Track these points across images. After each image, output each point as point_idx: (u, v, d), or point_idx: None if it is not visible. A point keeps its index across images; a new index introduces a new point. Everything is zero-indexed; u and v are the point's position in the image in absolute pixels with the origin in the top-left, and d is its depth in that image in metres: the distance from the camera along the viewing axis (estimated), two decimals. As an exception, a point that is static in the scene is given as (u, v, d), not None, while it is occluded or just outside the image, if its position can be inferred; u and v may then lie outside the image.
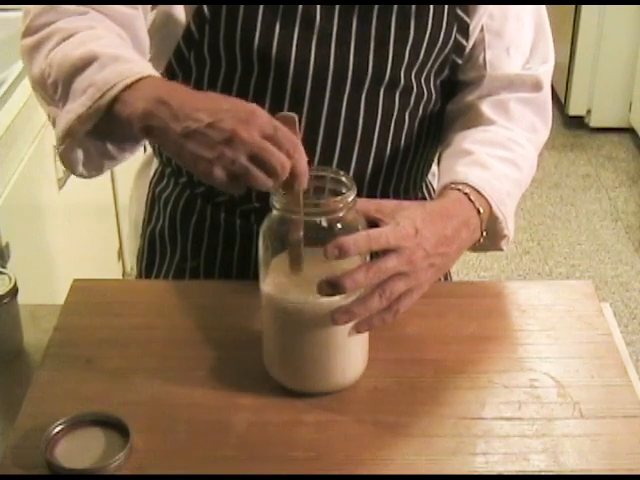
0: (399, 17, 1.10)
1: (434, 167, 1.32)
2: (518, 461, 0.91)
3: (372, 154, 1.16)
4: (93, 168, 1.03)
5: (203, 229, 1.22)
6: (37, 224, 1.95)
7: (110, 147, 1.01)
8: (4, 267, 1.54)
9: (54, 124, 1.00)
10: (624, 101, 3.84)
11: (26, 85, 1.78)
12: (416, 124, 1.18)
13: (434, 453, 0.92)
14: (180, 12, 1.10)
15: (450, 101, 1.22)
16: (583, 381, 1.02)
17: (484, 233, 1.07)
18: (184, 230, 1.24)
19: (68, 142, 0.98)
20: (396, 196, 1.21)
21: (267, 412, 0.97)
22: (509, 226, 1.11)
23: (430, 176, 1.32)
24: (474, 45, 1.18)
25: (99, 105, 0.93)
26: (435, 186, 1.33)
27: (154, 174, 1.29)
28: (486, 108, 1.18)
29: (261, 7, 1.07)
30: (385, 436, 0.94)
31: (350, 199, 0.93)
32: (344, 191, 0.94)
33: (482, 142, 1.14)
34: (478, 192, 1.06)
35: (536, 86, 1.20)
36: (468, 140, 1.15)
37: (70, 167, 1.02)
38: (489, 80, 1.19)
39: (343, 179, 0.95)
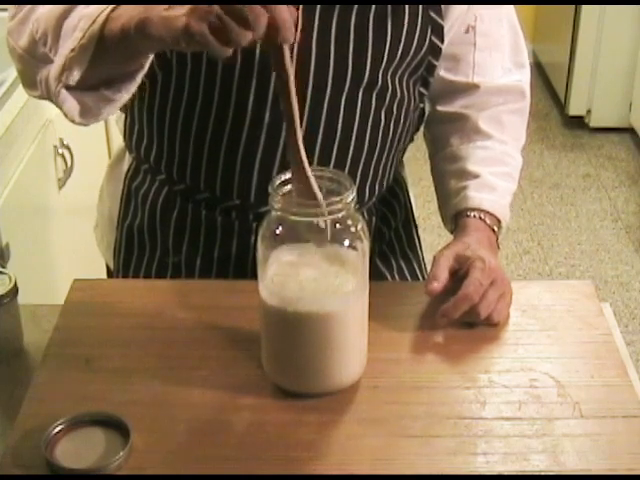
0: (376, 18, 1.12)
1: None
2: (518, 461, 0.91)
3: (350, 152, 1.18)
4: (91, 116, 1.01)
5: (184, 225, 1.23)
6: (37, 224, 1.95)
7: (105, 92, 0.99)
8: (4, 267, 1.54)
9: (47, 80, 0.98)
10: (624, 101, 3.84)
11: (26, 85, 1.78)
12: (392, 122, 1.21)
13: (434, 453, 0.92)
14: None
15: (441, 103, 1.28)
16: (583, 381, 1.02)
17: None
18: (164, 226, 1.24)
19: (62, 85, 0.96)
20: (371, 191, 1.25)
21: (267, 412, 0.97)
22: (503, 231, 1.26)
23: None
24: (462, 44, 1.23)
25: (92, 32, 0.92)
26: (403, 175, 1.38)
27: (128, 169, 1.28)
28: (482, 124, 1.27)
29: None
30: (385, 436, 0.94)
31: (349, 200, 0.93)
32: (343, 192, 0.94)
33: (484, 162, 1.26)
34: (491, 214, 1.21)
35: (522, 94, 1.30)
36: (472, 161, 1.26)
37: (68, 116, 1.01)
38: (481, 93, 1.26)
39: (342, 180, 0.95)
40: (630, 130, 3.86)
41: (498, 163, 1.27)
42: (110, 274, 1.38)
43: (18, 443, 0.92)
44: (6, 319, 1.07)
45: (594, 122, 3.93)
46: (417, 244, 1.40)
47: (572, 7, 3.84)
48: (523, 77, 1.30)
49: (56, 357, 1.05)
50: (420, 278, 1.36)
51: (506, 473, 0.90)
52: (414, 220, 1.40)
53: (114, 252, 1.32)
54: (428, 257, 1.36)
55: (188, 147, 1.17)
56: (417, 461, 0.91)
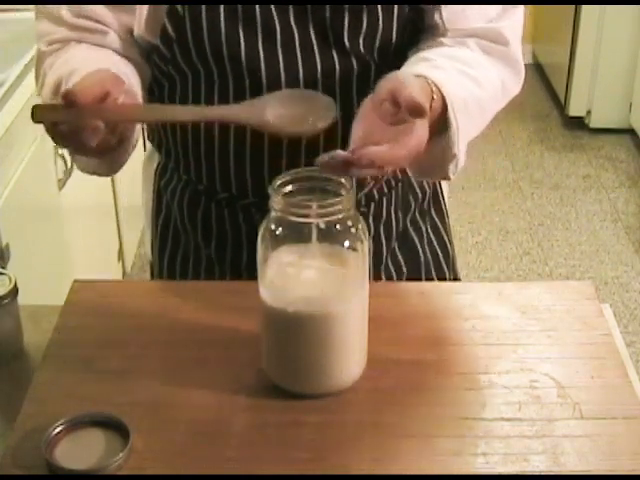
0: (351, 11, 1.11)
1: None
2: (518, 462, 0.91)
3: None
4: (106, 172, 1.13)
5: (210, 221, 1.26)
6: (37, 224, 1.95)
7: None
8: (4, 267, 1.54)
9: None
10: (624, 102, 3.84)
11: (26, 85, 1.78)
12: None
13: (435, 454, 0.92)
14: (145, 35, 1.13)
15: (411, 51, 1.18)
16: (583, 382, 1.02)
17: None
18: (192, 222, 1.28)
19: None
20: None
21: (267, 413, 0.97)
22: (460, 145, 1.03)
23: None
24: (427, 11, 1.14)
25: None
26: None
27: (157, 166, 1.31)
28: (448, 41, 1.14)
29: (222, 22, 1.09)
30: (385, 437, 0.94)
31: (349, 201, 0.93)
32: (343, 193, 0.94)
33: (442, 54, 1.10)
34: (436, 86, 0.99)
35: (499, 38, 1.15)
36: (427, 52, 1.11)
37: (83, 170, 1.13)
38: (451, 34, 1.14)
39: (342, 180, 0.95)
40: (630, 131, 3.86)
41: (460, 62, 1.09)
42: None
43: (18, 444, 0.92)
44: (6, 320, 1.07)
45: (594, 123, 3.93)
46: (444, 209, 1.37)
47: (572, 7, 3.85)
48: (502, 23, 1.15)
49: (56, 358, 1.05)
50: (448, 245, 1.37)
51: (506, 474, 0.90)
52: (442, 194, 1.37)
53: (151, 244, 1.36)
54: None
55: (200, 152, 1.19)
56: (417, 461, 0.91)
